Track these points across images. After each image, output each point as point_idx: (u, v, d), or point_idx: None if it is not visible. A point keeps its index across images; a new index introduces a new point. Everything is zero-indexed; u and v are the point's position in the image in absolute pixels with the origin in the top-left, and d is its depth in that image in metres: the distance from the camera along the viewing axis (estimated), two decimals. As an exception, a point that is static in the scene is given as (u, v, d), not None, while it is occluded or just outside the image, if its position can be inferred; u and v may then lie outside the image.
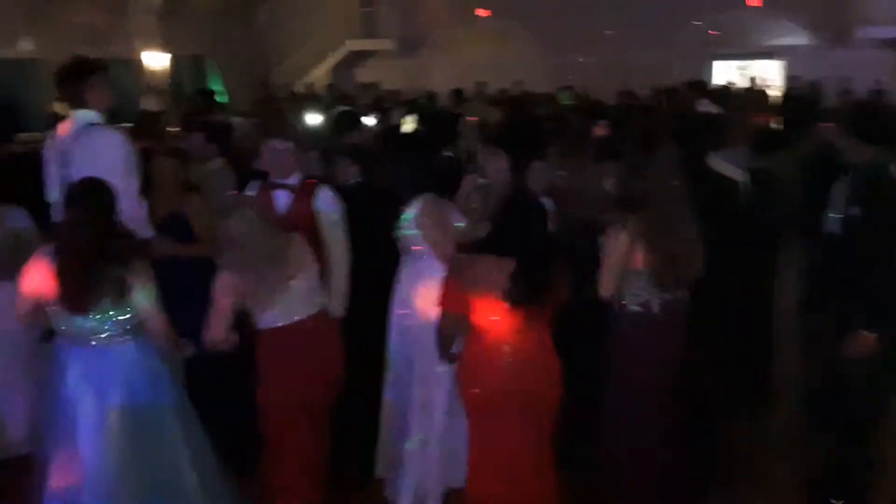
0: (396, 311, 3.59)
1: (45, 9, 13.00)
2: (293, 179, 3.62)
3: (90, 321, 2.78)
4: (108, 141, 3.45)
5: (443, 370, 3.25)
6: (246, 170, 4.39)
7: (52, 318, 2.85)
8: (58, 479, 2.84)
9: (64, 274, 2.71)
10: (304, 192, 3.60)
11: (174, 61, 16.49)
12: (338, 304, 3.47)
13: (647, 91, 10.37)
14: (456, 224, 3.44)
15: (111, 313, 2.79)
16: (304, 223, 3.46)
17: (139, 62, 15.46)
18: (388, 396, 3.64)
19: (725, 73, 17.21)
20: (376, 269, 3.63)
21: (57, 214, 3.49)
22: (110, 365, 2.83)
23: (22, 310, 2.86)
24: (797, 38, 16.98)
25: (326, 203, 3.58)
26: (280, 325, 3.00)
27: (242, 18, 19.46)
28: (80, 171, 3.19)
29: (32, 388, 3.88)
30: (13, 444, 3.99)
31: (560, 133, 4.50)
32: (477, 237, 3.02)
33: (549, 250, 2.81)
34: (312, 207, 3.56)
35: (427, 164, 3.68)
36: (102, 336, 2.81)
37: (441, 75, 18.80)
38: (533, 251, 2.72)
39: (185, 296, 3.13)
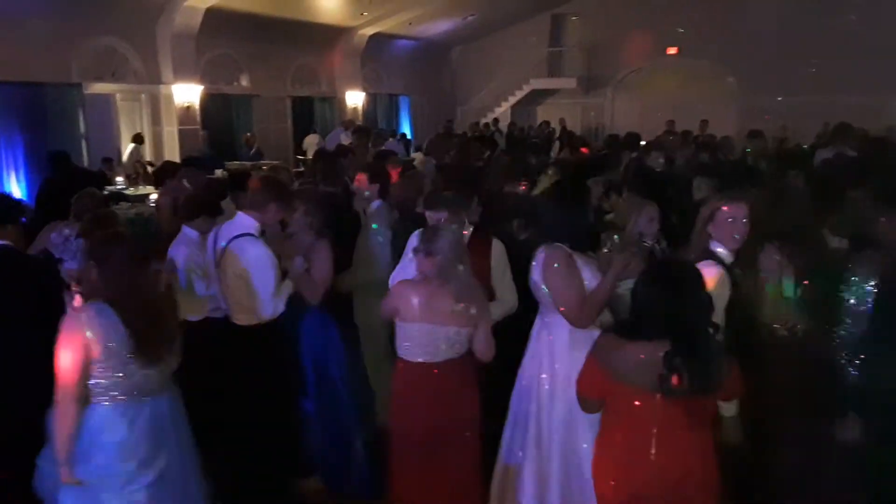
0: (526, 368, 3.34)
1: (263, 51, 14.65)
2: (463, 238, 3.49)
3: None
4: (253, 253, 3.51)
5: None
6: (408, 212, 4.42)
7: None
8: None
9: None
10: (476, 249, 3.49)
11: (370, 99, 17.82)
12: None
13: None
14: (588, 281, 3.09)
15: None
16: (477, 277, 3.32)
17: (341, 100, 16.90)
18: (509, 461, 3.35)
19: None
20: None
21: None
22: None
23: None
24: None
25: (500, 253, 3.59)
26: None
27: (436, 61, 20.63)
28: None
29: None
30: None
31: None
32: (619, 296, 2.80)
33: (712, 331, 2.39)
34: (490, 263, 3.53)
35: (563, 212, 3.37)
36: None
37: (622, 114, 18.66)
38: (692, 331, 2.31)
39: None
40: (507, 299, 3.56)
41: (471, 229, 3.67)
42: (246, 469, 3.61)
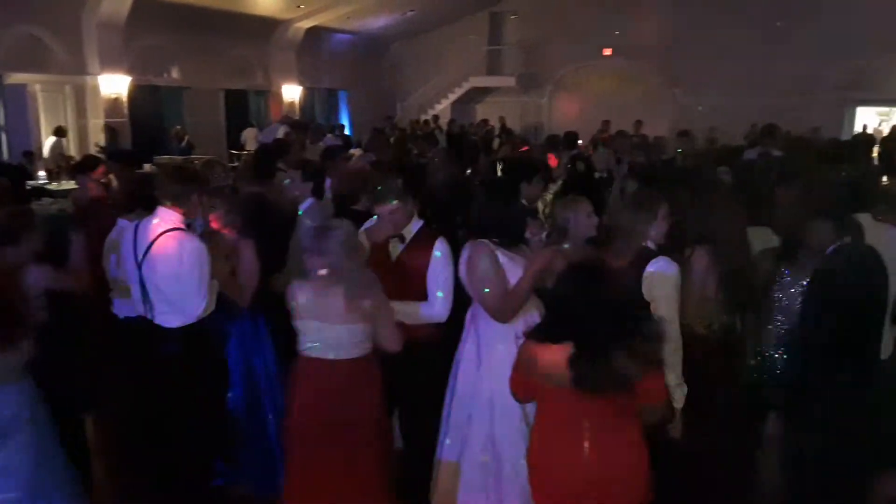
0: (459, 363, 3.37)
1: (195, 42, 14.22)
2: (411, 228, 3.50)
3: None
4: (187, 247, 3.36)
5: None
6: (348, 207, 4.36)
7: None
8: None
9: None
10: (421, 243, 3.46)
11: (307, 93, 17.54)
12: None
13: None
14: (513, 276, 3.10)
15: None
16: (418, 272, 3.39)
17: (277, 94, 16.58)
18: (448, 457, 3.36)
19: (867, 118, 16.29)
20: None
21: None
22: None
23: None
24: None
25: (442, 252, 3.44)
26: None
27: (375, 56, 20.47)
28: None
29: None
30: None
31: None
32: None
33: (617, 326, 2.36)
34: (431, 257, 3.39)
35: (491, 208, 3.31)
36: None
37: (560, 113, 18.93)
38: (593, 330, 2.32)
39: None
40: (433, 303, 3.39)
41: (420, 223, 3.53)
42: (168, 469, 3.53)
